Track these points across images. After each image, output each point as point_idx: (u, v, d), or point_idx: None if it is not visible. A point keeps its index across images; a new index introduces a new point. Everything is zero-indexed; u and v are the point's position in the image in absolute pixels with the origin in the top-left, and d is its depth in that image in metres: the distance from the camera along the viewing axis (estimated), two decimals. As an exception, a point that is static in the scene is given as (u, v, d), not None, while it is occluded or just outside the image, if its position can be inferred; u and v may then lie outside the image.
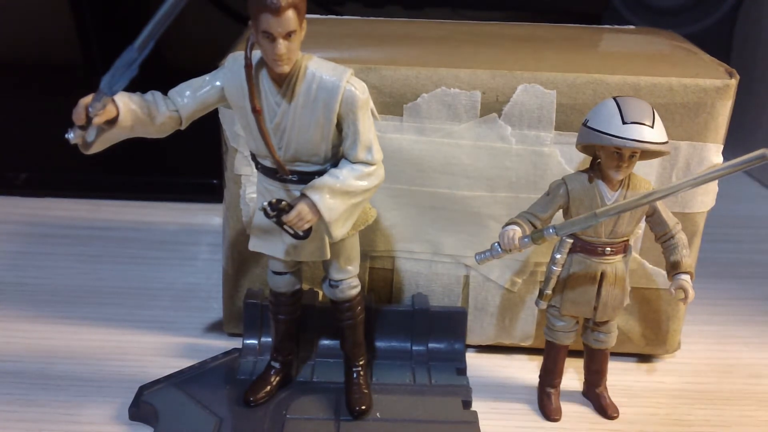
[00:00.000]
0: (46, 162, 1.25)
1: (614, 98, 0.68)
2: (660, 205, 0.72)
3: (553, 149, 0.78)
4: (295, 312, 0.77)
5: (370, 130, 0.65)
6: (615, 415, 0.77)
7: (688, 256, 0.72)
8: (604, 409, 0.77)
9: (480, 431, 0.72)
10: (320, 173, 0.66)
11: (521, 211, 0.72)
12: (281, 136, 0.65)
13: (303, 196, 0.64)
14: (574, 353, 0.79)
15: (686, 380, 0.84)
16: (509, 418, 0.77)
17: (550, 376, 0.78)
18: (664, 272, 0.75)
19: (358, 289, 0.74)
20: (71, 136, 0.62)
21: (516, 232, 0.70)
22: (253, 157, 0.69)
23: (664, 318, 0.84)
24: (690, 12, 1.51)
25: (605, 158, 0.68)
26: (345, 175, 0.64)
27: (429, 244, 0.83)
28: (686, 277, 0.71)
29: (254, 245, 0.72)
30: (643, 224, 0.77)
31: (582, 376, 0.80)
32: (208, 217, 1.17)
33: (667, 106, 0.76)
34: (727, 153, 0.76)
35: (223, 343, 0.86)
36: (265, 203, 0.65)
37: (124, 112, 0.62)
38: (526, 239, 0.70)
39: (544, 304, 0.75)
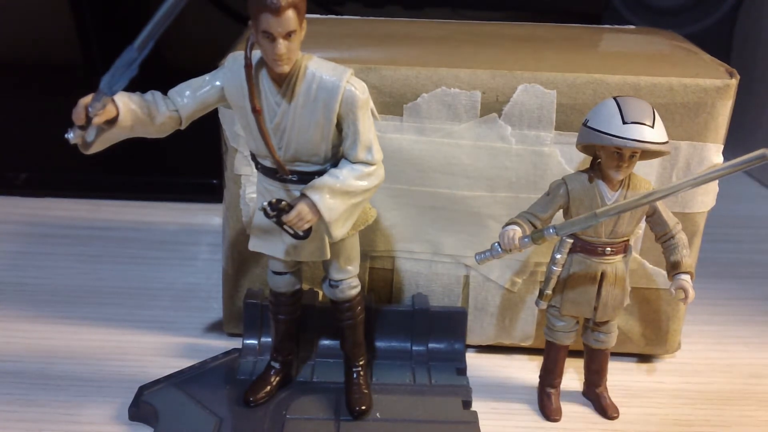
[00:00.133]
0: (46, 162, 1.25)
1: (614, 98, 0.68)
2: (660, 205, 0.72)
3: (553, 149, 0.78)
4: (295, 312, 0.77)
5: (370, 130, 0.65)
6: (615, 415, 0.77)
7: (688, 256, 0.72)
8: (604, 410, 0.77)
9: (480, 431, 0.72)
10: (320, 173, 0.66)
11: (521, 211, 0.72)
12: (281, 136, 0.65)
13: (303, 196, 0.64)
14: (574, 353, 0.79)
15: (686, 380, 0.84)
16: (509, 418, 0.77)
17: (550, 376, 0.78)
18: (664, 272, 0.75)
19: (358, 289, 0.74)
20: (71, 136, 0.62)
21: (516, 232, 0.70)
22: (253, 157, 0.69)
23: (664, 318, 0.84)
24: (690, 12, 1.50)
25: (605, 158, 0.68)
26: (345, 175, 0.64)
27: (429, 244, 0.83)
28: (686, 277, 0.71)
29: (254, 245, 0.72)
30: (643, 224, 0.77)
31: (582, 376, 0.80)
32: (208, 217, 1.17)
33: (668, 106, 0.76)
34: (727, 153, 0.76)
35: (223, 343, 0.86)
36: (265, 203, 0.65)
37: (124, 112, 0.62)
38: (526, 239, 0.70)
39: (544, 304, 0.75)
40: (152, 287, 0.98)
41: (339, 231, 0.66)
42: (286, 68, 0.62)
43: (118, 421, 0.74)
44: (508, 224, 0.71)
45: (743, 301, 1.00)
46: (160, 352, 0.85)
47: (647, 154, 0.69)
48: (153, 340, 0.87)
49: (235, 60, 0.65)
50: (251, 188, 0.80)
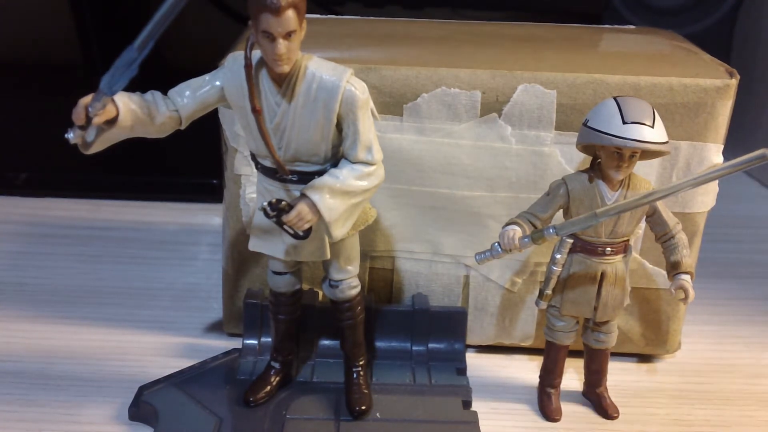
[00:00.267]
0: (46, 162, 1.25)
1: (614, 98, 0.68)
2: (660, 205, 0.72)
3: (553, 149, 0.78)
4: (295, 312, 0.77)
5: (370, 130, 0.65)
6: (615, 415, 0.77)
7: (688, 256, 0.72)
8: (605, 410, 0.77)
9: (480, 431, 0.72)
10: (320, 173, 0.66)
11: (521, 211, 0.72)
12: (281, 136, 0.65)
13: (303, 196, 0.64)
14: (574, 353, 0.79)
15: (686, 380, 0.84)
16: (509, 418, 0.77)
17: (550, 376, 0.78)
18: (664, 272, 0.75)
19: (358, 289, 0.74)
20: (71, 136, 0.62)
21: (516, 232, 0.70)
22: (253, 157, 0.69)
23: (664, 318, 0.84)
24: (690, 12, 1.50)
25: (605, 158, 0.68)
26: (345, 175, 0.64)
27: (429, 244, 0.83)
28: (686, 277, 0.71)
29: (254, 245, 0.72)
30: (643, 224, 0.77)
31: (582, 376, 0.80)
32: (208, 217, 1.17)
33: (668, 106, 0.76)
34: (727, 153, 0.76)
35: (223, 343, 0.86)
36: (265, 203, 0.64)
37: (124, 112, 0.62)
38: (526, 239, 0.70)
39: (544, 304, 0.75)
40: (152, 287, 0.98)
41: (339, 231, 0.66)
42: (286, 68, 0.62)
43: (118, 421, 0.74)
44: (508, 224, 0.71)
45: (743, 301, 1.00)
46: (160, 352, 0.85)
47: (647, 154, 0.69)
48: (153, 340, 0.87)
49: (235, 60, 0.65)
50: (251, 188, 0.80)
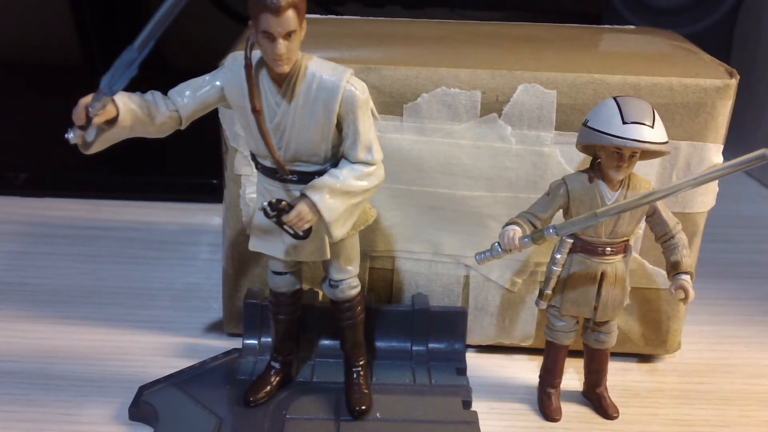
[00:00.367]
0: (46, 162, 1.25)
1: (614, 98, 0.68)
2: (660, 205, 0.72)
3: (553, 149, 0.78)
4: (295, 312, 0.77)
5: (370, 130, 0.65)
6: (615, 415, 0.77)
7: (688, 256, 0.72)
8: (605, 409, 0.77)
9: (480, 431, 0.72)
10: (320, 173, 0.66)
11: (521, 211, 0.72)
12: (281, 136, 0.65)
13: (303, 196, 0.64)
14: (574, 353, 0.79)
15: (686, 380, 0.84)
16: (509, 418, 0.77)
17: (550, 376, 0.78)
18: (664, 272, 0.75)
19: (358, 289, 0.74)
20: (71, 136, 0.62)
21: (516, 232, 0.70)
22: (253, 157, 0.69)
23: (664, 318, 0.84)
24: (690, 12, 1.50)
25: (605, 158, 0.68)
26: (345, 175, 0.64)
27: (429, 244, 0.83)
28: (686, 277, 0.71)
29: (254, 245, 0.72)
30: (643, 224, 0.77)
31: (582, 376, 0.80)
32: (208, 217, 1.17)
33: (668, 106, 0.76)
34: (727, 153, 0.76)
35: (223, 343, 0.86)
36: (265, 203, 0.64)
37: (124, 112, 0.62)
38: (526, 239, 0.70)
39: (544, 304, 0.75)
40: (152, 287, 0.98)
41: (339, 231, 0.66)
42: (286, 68, 0.62)
43: (118, 421, 0.74)
44: (508, 224, 0.71)
45: (743, 301, 1.00)
46: (160, 352, 0.85)
47: (647, 154, 0.69)
48: (153, 340, 0.87)
49: (235, 60, 0.65)
50: (251, 188, 0.80)
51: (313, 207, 0.64)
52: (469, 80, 0.77)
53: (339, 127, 0.65)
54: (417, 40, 0.88)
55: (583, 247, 0.72)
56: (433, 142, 0.78)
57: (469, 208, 0.80)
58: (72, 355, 0.83)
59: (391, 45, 0.86)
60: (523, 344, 0.86)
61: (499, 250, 0.71)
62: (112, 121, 0.62)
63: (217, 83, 0.66)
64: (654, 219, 0.72)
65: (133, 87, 0.62)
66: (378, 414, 0.74)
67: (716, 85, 0.75)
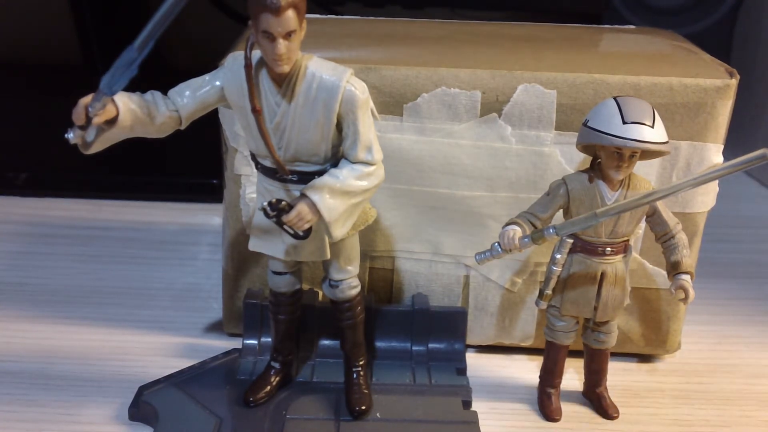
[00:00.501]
0: (46, 162, 1.25)
1: (614, 98, 0.68)
2: (660, 205, 0.72)
3: (553, 149, 0.78)
4: (295, 312, 0.77)
5: (370, 130, 0.65)
6: (615, 415, 0.77)
7: (688, 256, 0.72)
8: (605, 410, 0.77)
9: (480, 431, 0.72)
10: (320, 173, 0.66)
11: (521, 211, 0.72)
12: (281, 136, 0.65)
13: (303, 196, 0.64)
14: (574, 353, 0.79)
15: (686, 380, 0.84)
16: (509, 418, 0.77)
17: (550, 376, 0.78)
18: (664, 272, 0.75)
19: (358, 289, 0.74)
20: (71, 136, 0.62)
21: (516, 232, 0.70)
22: (253, 157, 0.69)
23: (664, 318, 0.84)
24: (690, 12, 1.50)
25: (605, 158, 0.68)
26: (345, 175, 0.64)
27: (429, 244, 0.83)
28: (686, 277, 0.71)
29: (254, 245, 0.72)
30: (643, 224, 0.77)
31: (582, 376, 0.80)
32: (208, 217, 1.17)
33: (668, 106, 0.76)
34: (727, 153, 0.76)
35: (223, 343, 0.86)
36: (265, 203, 0.64)
37: (124, 112, 0.62)
38: (526, 239, 0.70)
39: (544, 304, 0.75)
40: (152, 287, 0.98)
41: (339, 231, 0.66)
42: (286, 68, 0.62)
43: (118, 421, 0.74)
44: (508, 224, 0.71)
45: (743, 301, 1.00)
46: (160, 352, 0.85)
47: (647, 154, 0.69)
48: (153, 340, 0.87)
49: (235, 60, 0.65)
50: (251, 188, 0.80)
51: (313, 207, 0.64)
52: (469, 80, 0.77)
53: (339, 127, 0.65)
54: (417, 40, 0.88)
55: (583, 247, 0.72)
56: (433, 142, 0.78)
57: (469, 208, 0.80)
58: (72, 355, 0.83)
59: (391, 45, 0.86)
60: (523, 344, 0.86)
61: (499, 250, 0.71)
62: (112, 121, 0.62)
63: (217, 83, 0.66)
64: (654, 219, 0.72)
65: (133, 87, 0.62)
66: (378, 414, 0.74)
67: (716, 85, 0.75)
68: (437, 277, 0.84)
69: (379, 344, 0.83)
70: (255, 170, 0.70)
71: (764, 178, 1.36)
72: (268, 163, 0.67)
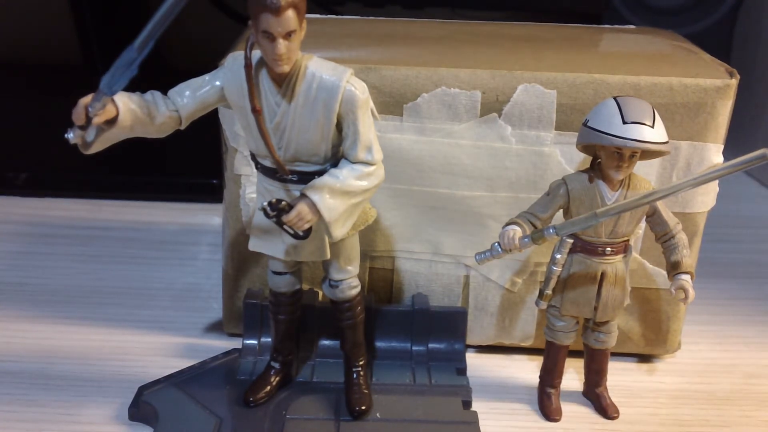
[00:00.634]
0: (46, 162, 1.25)
1: (614, 98, 0.68)
2: (660, 205, 0.72)
3: (553, 149, 0.78)
4: (295, 312, 0.77)
5: (370, 130, 0.65)
6: (615, 415, 0.77)
7: (688, 256, 0.72)
8: (605, 410, 0.77)
9: (480, 431, 0.72)
10: (320, 173, 0.66)
11: (521, 211, 0.72)
12: (281, 136, 0.65)
13: (303, 196, 0.64)
14: (574, 353, 0.79)
15: (686, 380, 0.84)
16: (509, 418, 0.77)
17: (550, 376, 0.78)
18: (664, 272, 0.75)
19: (358, 289, 0.74)
20: (71, 136, 0.62)
21: (516, 232, 0.70)
22: (253, 157, 0.69)
23: (664, 318, 0.84)
24: (690, 12, 1.50)
25: (605, 158, 0.68)
26: (345, 175, 0.64)
27: (429, 244, 0.83)
28: (686, 277, 0.71)
29: (254, 245, 0.72)
30: (643, 224, 0.77)
31: (582, 376, 0.80)
32: (208, 217, 1.17)
33: (668, 106, 0.76)
34: (727, 153, 0.76)
35: (223, 343, 0.86)
36: (265, 203, 0.65)
37: (124, 112, 0.62)
38: (526, 239, 0.70)
39: (544, 304, 0.75)
40: (152, 287, 0.98)
41: (339, 231, 0.66)
42: (286, 68, 0.62)
43: (118, 421, 0.74)
44: (508, 224, 0.71)
45: (743, 301, 1.00)
46: (160, 352, 0.85)
47: (647, 154, 0.69)
48: (153, 340, 0.87)
49: (235, 60, 0.65)
50: (251, 188, 0.80)
51: (313, 207, 0.64)
52: (469, 80, 0.77)
53: (339, 127, 0.65)
54: (417, 40, 0.88)
55: (584, 247, 0.72)
56: (433, 142, 0.78)
57: (469, 208, 0.80)
58: (72, 355, 0.83)
59: (391, 45, 0.86)
60: (523, 344, 0.86)
61: (499, 250, 0.71)
62: (111, 121, 0.62)
63: (217, 83, 0.66)
64: (654, 219, 0.72)
65: (133, 87, 0.62)
66: (378, 414, 0.74)
67: (716, 85, 0.75)
68: (437, 277, 0.84)
69: (379, 344, 0.83)
70: (255, 170, 0.70)
71: (764, 178, 1.36)
72: (268, 163, 0.67)
